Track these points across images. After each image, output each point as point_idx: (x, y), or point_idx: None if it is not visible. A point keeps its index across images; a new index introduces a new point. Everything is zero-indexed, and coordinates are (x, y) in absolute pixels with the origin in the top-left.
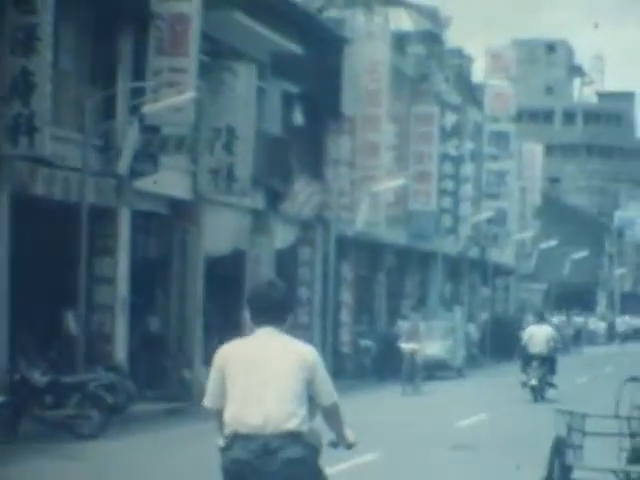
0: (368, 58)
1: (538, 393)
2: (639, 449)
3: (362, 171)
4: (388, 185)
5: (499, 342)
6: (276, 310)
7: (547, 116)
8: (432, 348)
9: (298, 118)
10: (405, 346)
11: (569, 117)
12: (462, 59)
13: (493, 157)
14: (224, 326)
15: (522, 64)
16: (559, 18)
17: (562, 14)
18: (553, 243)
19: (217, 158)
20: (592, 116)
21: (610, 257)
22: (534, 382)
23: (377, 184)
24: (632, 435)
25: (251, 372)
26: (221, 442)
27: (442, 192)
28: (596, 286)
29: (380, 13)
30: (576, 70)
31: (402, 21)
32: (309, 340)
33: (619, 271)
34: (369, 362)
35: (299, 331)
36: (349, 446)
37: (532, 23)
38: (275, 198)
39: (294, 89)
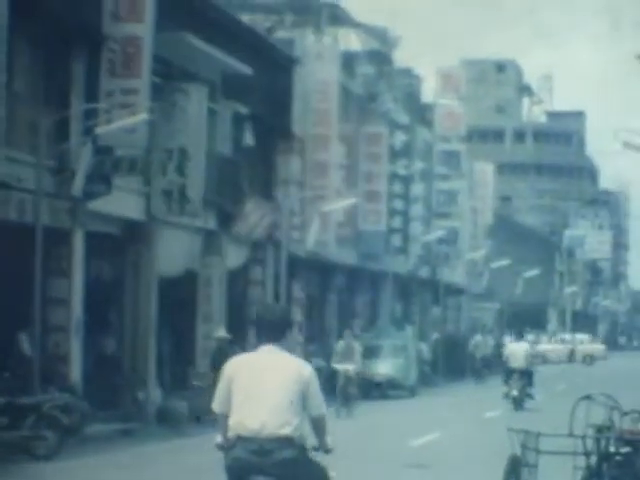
0: (317, 78)
1: (519, 403)
2: (593, 468)
3: (312, 191)
4: (338, 205)
5: (451, 361)
6: (275, 330)
7: (497, 135)
8: (383, 367)
9: (249, 139)
10: (339, 366)
11: (519, 136)
12: (411, 79)
13: (444, 176)
14: (178, 346)
15: (472, 84)
16: (508, 38)
17: (511, 34)
18: (505, 262)
19: (169, 179)
20: (542, 135)
21: (561, 275)
22: (515, 393)
23: (327, 204)
24: (586, 454)
25: (253, 383)
26: (219, 439)
27: (392, 212)
28: (547, 305)
29: (329, 33)
30: (525, 90)
31: (351, 41)
32: None
33: (570, 289)
34: (320, 382)
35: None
36: (328, 451)
37: (482, 43)
38: (226, 219)
39: (245, 110)
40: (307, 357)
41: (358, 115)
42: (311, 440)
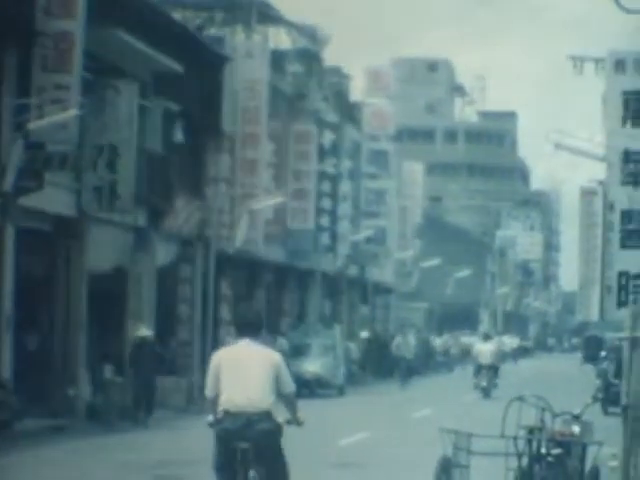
0: (247, 76)
1: (487, 392)
2: (525, 469)
3: (241, 189)
4: (267, 203)
5: (379, 360)
6: (252, 327)
7: (428, 135)
8: (312, 366)
9: (179, 136)
10: None
11: (450, 136)
12: (341, 78)
13: (372, 176)
14: (107, 343)
15: (402, 83)
16: (440, 37)
17: (443, 33)
18: (435, 262)
19: (100, 176)
20: (473, 135)
21: (492, 276)
22: (484, 384)
23: (256, 202)
24: (518, 455)
25: (236, 369)
26: (211, 418)
27: (320, 210)
28: (479, 305)
29: (259, 31)
30: (457, 89)
31: (281, 39)
32: (189, 357)
33: (501, 290)
34: None
35: (181, 347)
36: (300, 424)
37: (414, 43)
38: (156, 216)
39: (175, 107)
40: None
41: (287, 113)
42: (284, 415)
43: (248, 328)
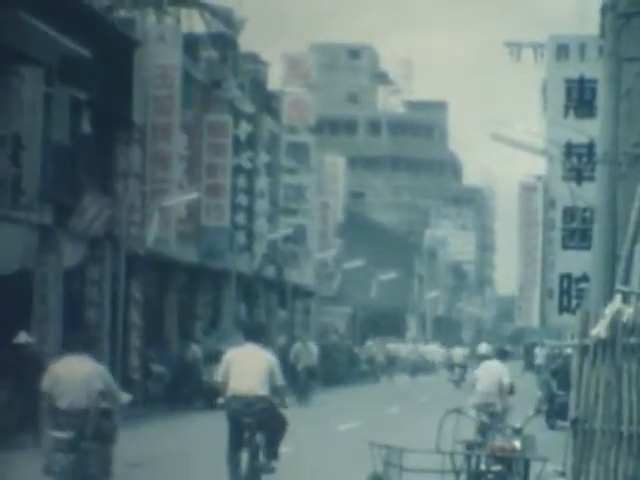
0: (159, 62)
1: (458, 383)
2: None
3: (153, 184)
4: (179, 199)
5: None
6: (256, 334)
7: (350, 126)
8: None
9: (86, 127)
10: None
11: (374, 128)
12: (258, 65)
13: (291, 170)
14: (8, 345)
15: (323, 70)
16: (363, 22)
17: (366, 18)
18: (358, 263)
19: (2, 169)
20: (399, 127)
21: (420, 279)
22: (456, 378)
23: (168, 198)
24: (456, 472)
25: (243, 364)
26: (221, 400)
27: (236, 207)
28: (406, 310)
29: (171, 14)
30: (381, 77)
31: (194, 23)
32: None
33: (431, 294)
34: (161, 390)
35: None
36: (286, 407)
37: (334, 27)
38: (63, 213)
39: (83, 95)
40: (146, 363)
41: (201, 103)
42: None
43: (252, 335)
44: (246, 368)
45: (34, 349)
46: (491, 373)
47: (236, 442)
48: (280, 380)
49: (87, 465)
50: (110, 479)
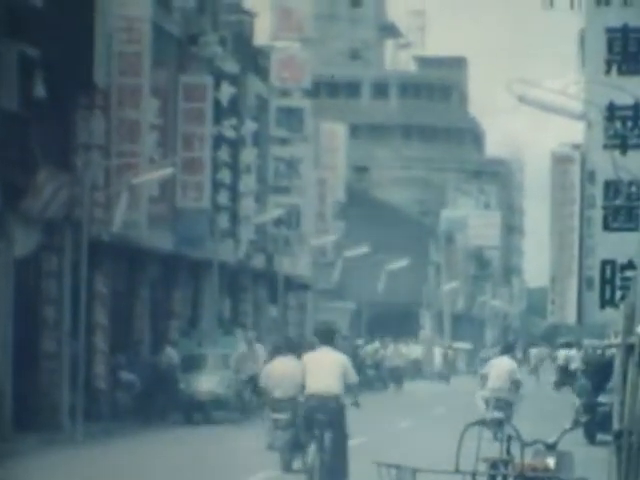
0: (125, 13)
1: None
2: None
3: (119, 158)
4: (151, 176)
5: None
6: (327, 338)
7: (352, 88)
8: (207, 383)
9: (40, 90)
10: None
11: (380, 89)
12: (242, 15)
13: (282, 140)
14: None
15: (320, 22)
16: None
17: None
18: (363, 250)
19: None
20: (411, 88)
21: (437, 268)
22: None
23: (138, 175)
24: None
25: (318, 365)
26: (302, 398)
27: (217, 185)
28: (419, 305)
29: None
30: (389, 29)
31: None
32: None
33: (449, 286)
34: (131, 401)
35: (46, 361)
36: (358, 406)
37: None
38: (14, 193)
39: (35, 53)
40: (114, 370)
41: (175, 61)
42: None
43: (323, 339)
44: (322, 368)
45: None
46: (500, 369)
47: (308, 435)
48: (353, 378)
49: None
50: None
